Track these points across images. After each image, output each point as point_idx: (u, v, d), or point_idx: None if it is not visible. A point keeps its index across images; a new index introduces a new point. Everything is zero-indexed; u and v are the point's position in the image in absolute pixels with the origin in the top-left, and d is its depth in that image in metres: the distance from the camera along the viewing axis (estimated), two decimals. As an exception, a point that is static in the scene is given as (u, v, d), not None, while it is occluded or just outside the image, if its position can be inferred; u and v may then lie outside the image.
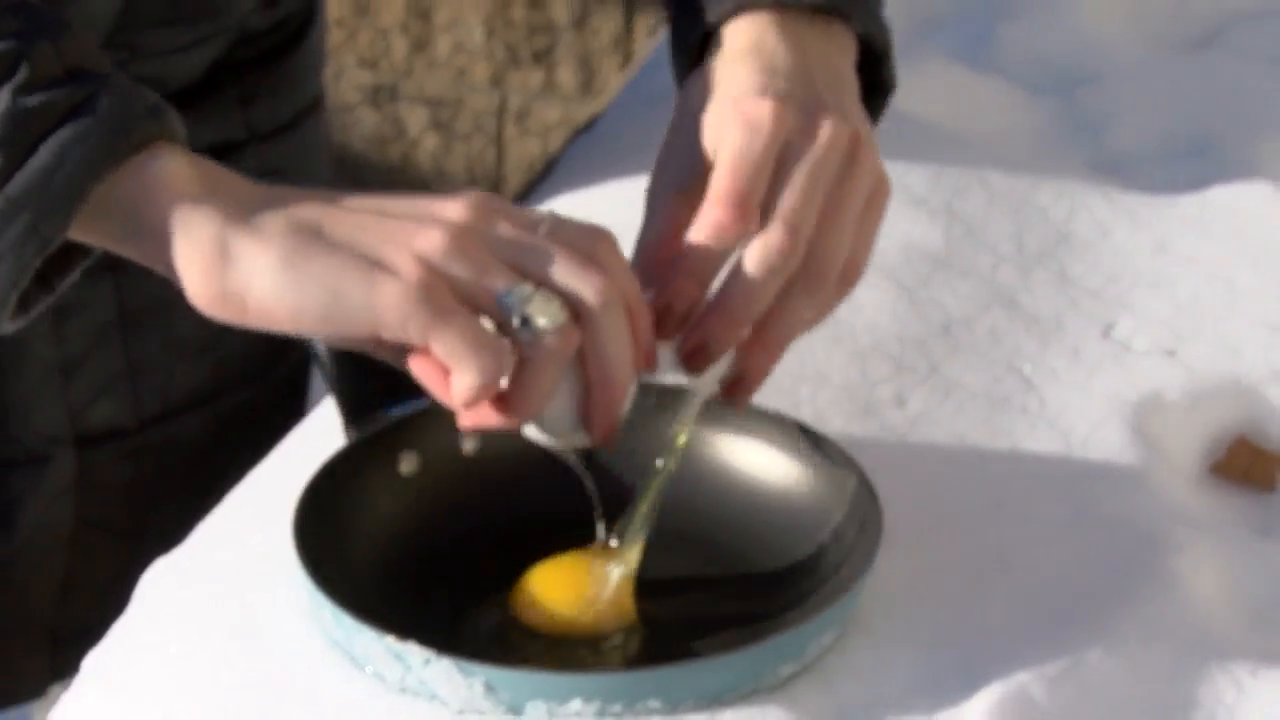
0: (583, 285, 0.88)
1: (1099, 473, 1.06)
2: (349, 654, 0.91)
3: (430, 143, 2.14)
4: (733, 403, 0.97)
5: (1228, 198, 1.28)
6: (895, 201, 1.25)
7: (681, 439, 0.97)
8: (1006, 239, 1.24)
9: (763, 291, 0.93)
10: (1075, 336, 1.16)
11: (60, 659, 1.23)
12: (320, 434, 1.04)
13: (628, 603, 0.96)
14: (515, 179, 2.13)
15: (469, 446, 1.02)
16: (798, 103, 0.95)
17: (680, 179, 0.96)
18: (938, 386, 1.12)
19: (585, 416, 0.91)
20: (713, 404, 1.01)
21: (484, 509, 1.01)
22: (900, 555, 0.97)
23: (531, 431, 0.93)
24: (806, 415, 1.07)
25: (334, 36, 2.13)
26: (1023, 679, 0.92)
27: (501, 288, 0.87)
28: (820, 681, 0.92)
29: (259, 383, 1.29)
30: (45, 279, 0.92)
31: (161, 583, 0.98)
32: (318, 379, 1.09)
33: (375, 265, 0.86)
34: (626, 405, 0.92)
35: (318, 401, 1.09)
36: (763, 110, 0.94)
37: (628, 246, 0.95)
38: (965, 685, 0.92)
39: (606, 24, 2.22)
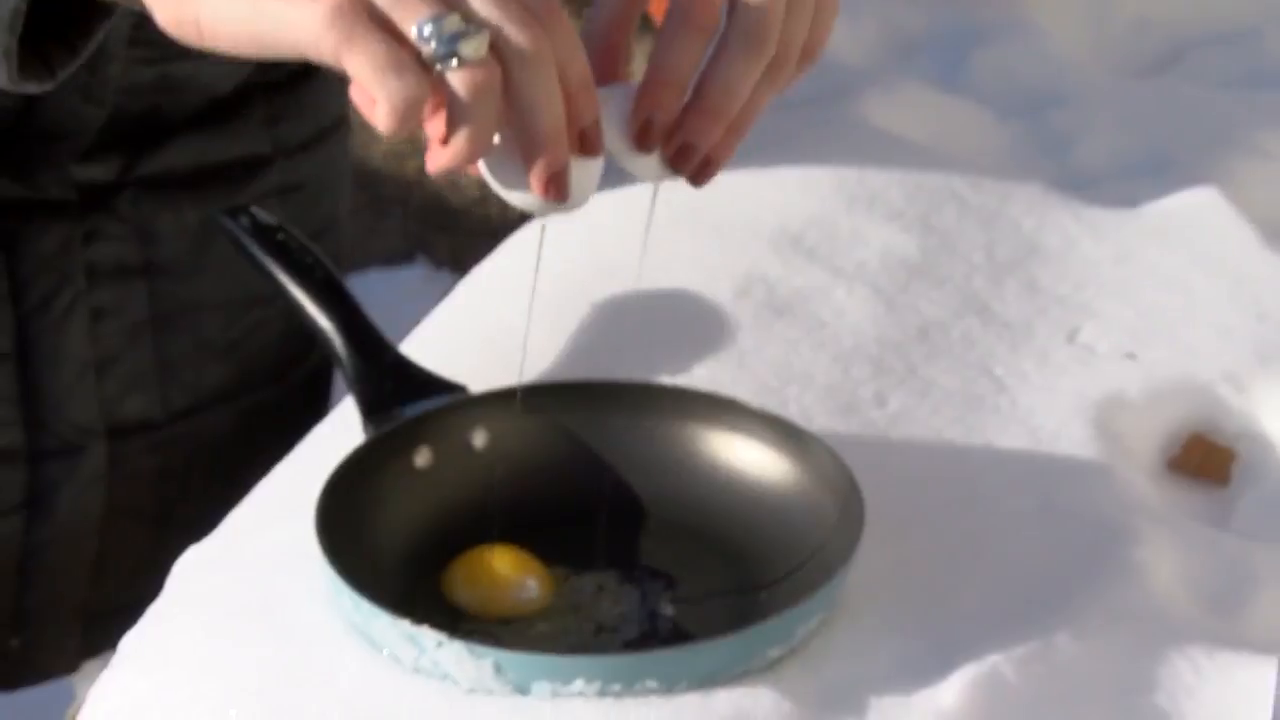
0: (510, 26, 0.81)
1: (1065, 467, 1.06)
2: (367, 637, 0.91)
3: (442, 157, 2.15)
4: (697, 182, 0.92)
5: (1183, 210, 1.28)
6: (876, 214, 1.25)
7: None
8: (979, 249, 1.24)
9: (743, 87, 0.89)
10: (1043, 341, 1.16)
11: (92, 636, 1.23)
12: (341, 431, 1.04)
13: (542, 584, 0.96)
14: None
15: (479, 442, 1.02)
16: None
17: None
18: (915, 387, 1.11)
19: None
20: (704, 400, 1.01)
21: (493, 500, 1.01)
22: (881, 545, 0.96)
23: (493, 184, 0.87)
24: (793, 413, 1.06)
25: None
26: (994, 660, 0.91)
27: (424, 15, 0.80)
28: (807, 663, 0.91)
29: (282, 382, 1.29)
30: (70, 44, 0.90)
31: (193, 569, 0.98)
32: (339, 380, 1.08)
33: None
34: (592, 175, 0.87)
35: (338, 401, 1.09)
36: None
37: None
38: (941, 666, 0.92)
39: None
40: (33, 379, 1.13)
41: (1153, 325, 1.18)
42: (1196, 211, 1.28)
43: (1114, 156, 1.36)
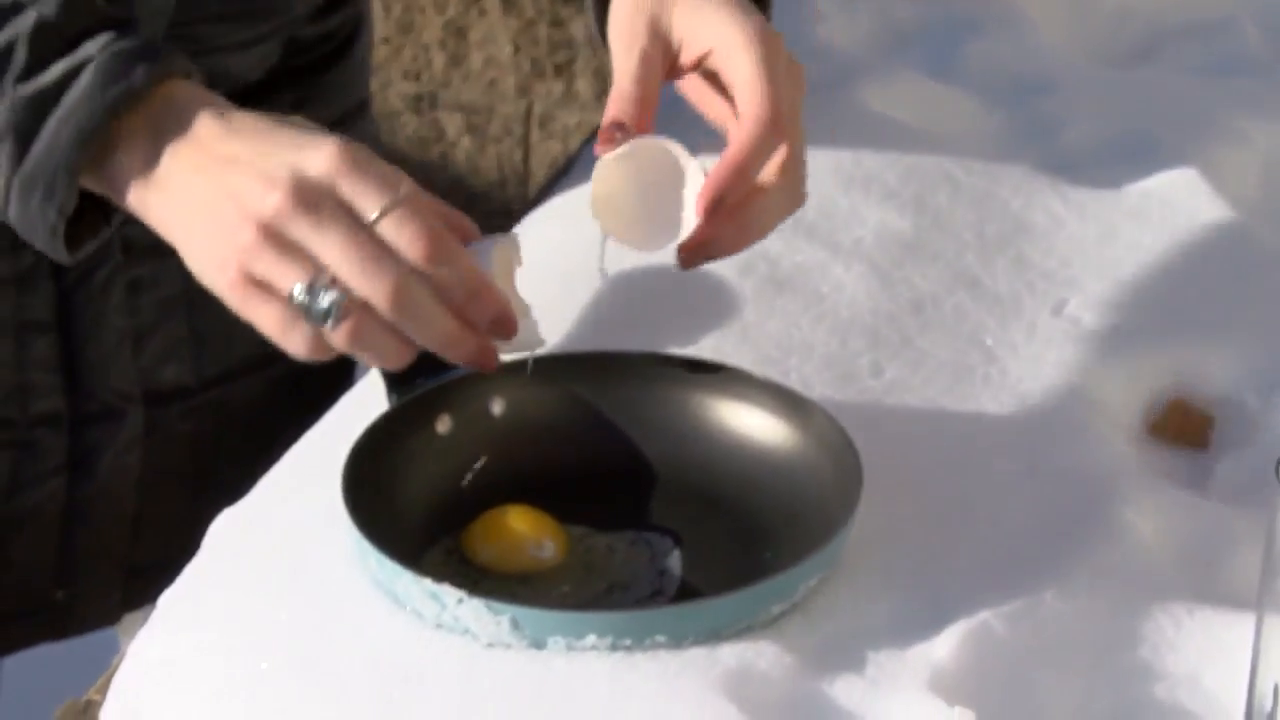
0: (355, 280, 0.86)
1: (1052, 433, 1.05)
2: (391, 594, 0.91)
3: (466, 144, 2.13)
4: (687, 264, 0.96)
5: (1164, 190, 1.27)
6: (872, 194, 1.24)
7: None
8: (970, 228, 1.23)
9: (773, 227, 0.95)
10: (1031, 314, 1.15)
11: (133, 590, 1.22)
12: (366, 401, 1.03)
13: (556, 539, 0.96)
14: (540, 174, 2.13)
15: (497, 410, 1.01)
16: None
17: (648, 45, 0.96)
18: (910, 357, 1.11)
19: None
20: (710, 369, 1.00)
21: (511, 464, 1.00)
22: (878, 507, 0.96)
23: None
24: (794, 382, 1.06)
25: (381, 52, 2.13)
26: (985, 615, 0.91)
27: (293, 279, 0.86)
28: (807, 619, 0.91)
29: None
30: (104, 211, 0.94)
31: (228, 530, 0.97)
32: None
33: (213, 220, 0.88)
34: (527, 334, 0.93)
35: (364, 373, 1.08)
36: (764, 28, 0.94)
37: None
38: (935, 620, 0.91)
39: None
40: (74, 348, 1.13)
41: (1135, 299, 1.17)
42: (1176, 192, 1.27)
43: (1098, 140, 1.35)
